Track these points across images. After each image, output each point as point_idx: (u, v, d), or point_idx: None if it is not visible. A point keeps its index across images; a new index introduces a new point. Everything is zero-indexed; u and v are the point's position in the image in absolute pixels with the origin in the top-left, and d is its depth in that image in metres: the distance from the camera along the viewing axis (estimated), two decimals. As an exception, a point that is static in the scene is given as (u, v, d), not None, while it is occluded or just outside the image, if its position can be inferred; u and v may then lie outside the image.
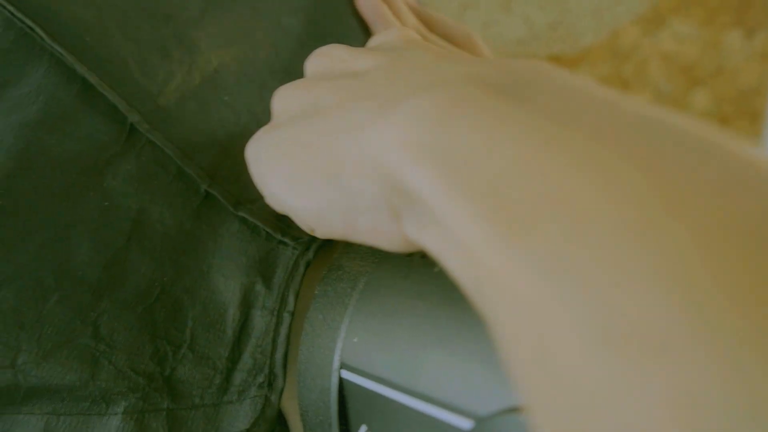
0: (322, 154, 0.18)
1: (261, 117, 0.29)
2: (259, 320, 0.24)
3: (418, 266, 0.19)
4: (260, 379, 0.23)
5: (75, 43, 0.25)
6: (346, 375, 0.19)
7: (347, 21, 0.36)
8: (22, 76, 0.24)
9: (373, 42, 0.24)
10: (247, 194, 0.26)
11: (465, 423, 0.15)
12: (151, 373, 0.23)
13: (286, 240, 0.25)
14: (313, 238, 0.25)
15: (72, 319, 0.23)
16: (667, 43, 1.14)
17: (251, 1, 0.32)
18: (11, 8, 0.24)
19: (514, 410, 0.13)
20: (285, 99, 0.22)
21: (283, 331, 0.24)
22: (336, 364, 0.19)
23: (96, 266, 0.24)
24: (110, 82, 0.25)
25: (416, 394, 0.16)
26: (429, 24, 0.37)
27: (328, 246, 0.26)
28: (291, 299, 0.24)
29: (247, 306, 0.24)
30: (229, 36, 0.30)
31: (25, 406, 0.22)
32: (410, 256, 0.20)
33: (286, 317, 0.24)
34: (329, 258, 0.24)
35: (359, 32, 0.36)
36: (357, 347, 0.19)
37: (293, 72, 0.32)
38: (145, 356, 0.23)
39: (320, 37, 0.34)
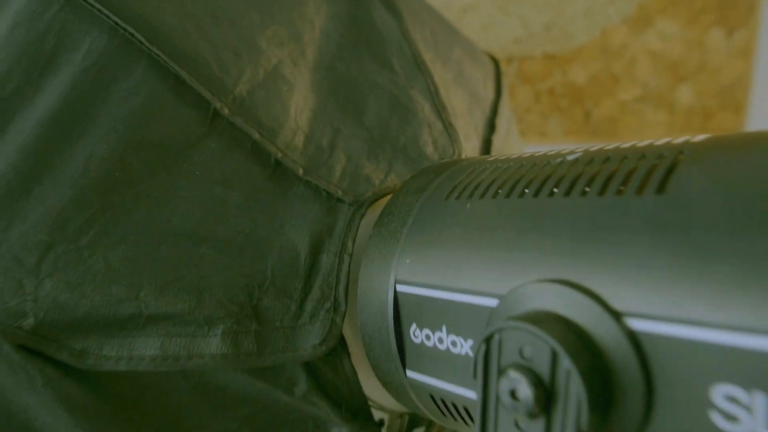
0: None
1: (310, 105, 0.36)
2: (325, 262, 0.31)
3: (453, 205, 0.26)
4: (327, 305, 0.30)
5: (166, 45, 0.32)
6: (400, 288, 0.26)
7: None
8: (127, 73, 0.31)
9: None
10: (310, 163, 0.33)
11: (492, 302, 0.22)
12: (242, 303, 0.30)
13: (343, 199, 0.32)
14: (366, 197, 0.32)
15: (179, 263, 0.30)
16: (654, 42, 1.21)
17: (294, 9, 0.39)
18: (116, 18, 0.31)
19: (524, 285, 0.21)
20: None
21: (344, 268, 0.31)
22: (392, 281, 0.27)
23: (192, 221, 0.31)
24: (196, 77, 0.32)
25: (454, 289, 0.23)
26: None
27: (376, 202, 0.33)
28: (350, 244, 0.31)
29: (315, 251, 0.31)
30: (282, 39, 0.37)
31: (145, 330, 0.29)
32: (447, 197, 0.27)
33: (346, 258, 0.31)
34: (378, 210, 0.32)
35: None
36: (408, 266, 0.26)
37: (336, 71, 0.39)
38: (237, 290, 0.31)
39: (354, 45, 0.41)
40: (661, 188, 0.19)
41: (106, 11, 0.30)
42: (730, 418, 0.16)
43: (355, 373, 0.31)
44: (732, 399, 0.16)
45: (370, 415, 0.32)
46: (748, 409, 0.16)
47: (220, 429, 0.31)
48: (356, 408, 0.32)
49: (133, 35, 0.31)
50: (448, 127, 0.40)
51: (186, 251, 0.30)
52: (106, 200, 0.29)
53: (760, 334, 0.15)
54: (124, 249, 0.29)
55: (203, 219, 0.31)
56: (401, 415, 0.35)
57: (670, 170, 0.20)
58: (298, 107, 0.34)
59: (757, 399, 0.15)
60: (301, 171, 0.32)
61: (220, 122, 0.31)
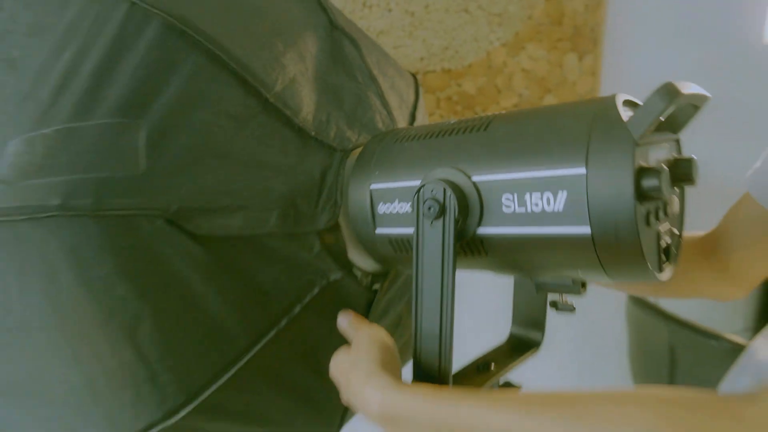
0: None
1: (314, 99, 0.61)
2: (329, 180, 0.56)
3: (398, 144, 0.53)
4: (331, 202, 0.56)
5: (241, 65, 0.54)
6: (373, 186, 0.52)
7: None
8: (219, 84, 0.53)
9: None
10: (317, 129, 0.58)
11: (418, 182, 0.49)
12: (286, 200, 0.54)
13: (336, 148, 0.58)
14: (349, 147, 0.58)
15: (254, 179, 0.53)
16: (526, 62, 1.55)
17: (299, 42, 0.63)
18: (175, 21, 0.53)
19: (433, 170, 0.48)
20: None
21: (340, 182, 0.56)
22: (369, 183, 0.53)
23: (257, 158, 0.54)
24: (258, 83, 0.54)
25: (400, 180, 0.50)
26: None
27: (354, 151, 0.59)
28: (342, 171, 0.57)
29: (323, 175, 0.56)
30: (295, 60, 0.61)
31: (234, 214, 0.53)
32: (395, 142, 0.53)
33: (341, 177, 0.56)
34: (356, 155, 0.57)
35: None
36: (377, 175, 0.52)
37: (325, 81, 0.64)
38: (284, 193, 0.54)
39: (333, 65, 0.66)
40: (485, 128, 0.47)
41: (206, 43, 0.53)
42: (507, 207, 0.44)
43: (344, 242, 0.56)
44: (507, 200, 0.44)
45: (351, 269, 0.58)
46: (513, 202, 0.43)
47: (271, 278, 0.54)
48: (344, 263, 0.57)
49: (226, 61, 0.51)
50: (390, 114, 0.66)
51: (256, 173, 0.54)
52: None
53: (514, 172, 0.43)
54: (224, 173, 0.52)
55: (263, 157, 0.54)
56: (368, 274, 0.61)
57: (489, 122, 0.48)
58: (308, 100, 0.59)
59: (515, 198, 0.43)
60: (313, 133, 0.57)
61: (268, 106, 0.55)
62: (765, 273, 0.66)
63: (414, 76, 0.86)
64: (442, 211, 0.43)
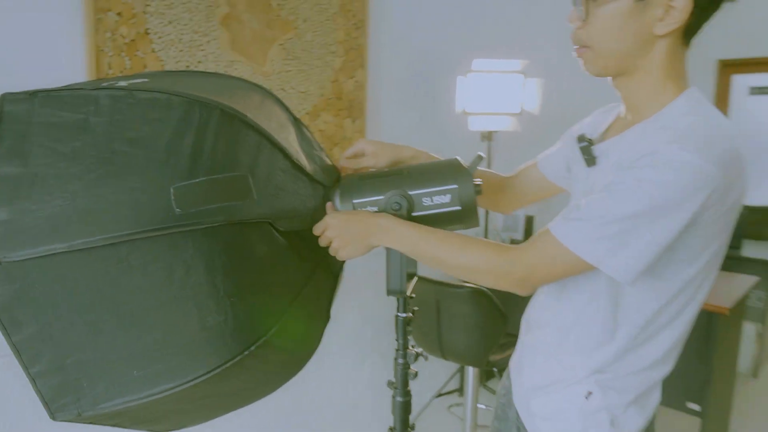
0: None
1: (296, 147, 1.13)
2: (325, 201, 1.10)
3: (367, 178, 1.13)
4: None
5: (268, 136, 1.03)
6: (355, 201, 1.10)
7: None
8: (246, 145, 1.02)
9: None
10: (316, 174, 1.10)
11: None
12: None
13: (323, 183, 1.02)
14: (328, 182, 1.10)
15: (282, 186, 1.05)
16: (321, 125, 2.22)
17: (272, 118, 1.15)
18: (235, 112, 1.02)
19: None
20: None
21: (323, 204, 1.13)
22: (351, 200, 1.10)
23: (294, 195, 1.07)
24: (272, 143, 1.04)
25: (373, 195, 1.11)
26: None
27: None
28: (326, 197, 1.13)
29: (324, 198, 1.05)
30: (276, 128, 1.11)
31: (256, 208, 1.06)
32: (365, 179, 1.12)
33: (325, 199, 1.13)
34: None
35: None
36: (357, 195, 1.10)
37: (290, 136, 1.17)
38: (293, 206, 1.09)
39: (284, 125, 1.21)
40: (407, 172, 1.12)
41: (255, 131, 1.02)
42: (425, 202, 1.09)
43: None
44: (425, 200, 1.09)
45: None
46: (429, 200, 1.09)
47: (306, 248, 1.07)
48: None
49: (269, 138, 1.02)
50: (323, 150, 1.19)
51: (296, 198, 1.05)
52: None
53: None
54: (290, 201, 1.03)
55: (299, 190, 1.05)
56: None
57: (406, 168, 1.13)
58: (303, 160, 1.10)
59: None
60: (308, 173, 1.10)
61: (294, 165, 1.05)
62: (519, 205, 1.25)
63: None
64: (400, 206, 1.04)
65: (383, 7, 2.40)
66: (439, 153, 1.17)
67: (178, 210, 0.75)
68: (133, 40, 1.62)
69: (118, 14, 1.58)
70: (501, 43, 3.10)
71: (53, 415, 0.77)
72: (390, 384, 1.17)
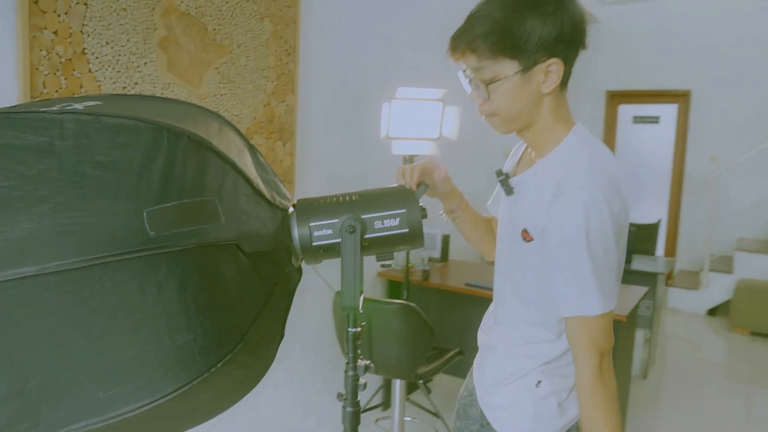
0: None
1: (264, 188, 1.20)
2: (285, 222, 1.15)
3: (322, 201, 1.20)
4: (287, 233, 1.17)
5: (227, 158, 1.10)
6: (311, 224, 1.18)
7: None
8: (212, 171, 1.07)
9: None
10: (270, 196, 1.16)
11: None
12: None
13: (280, 207, 1.11)
14: (286, 206, 1.19)
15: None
16: (257, 147, 2.26)
17: (232, 146, 1.21)
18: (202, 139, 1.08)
19: None
20: None
21: (288, 223, 1.19)
22: (308, 223, 1.18)
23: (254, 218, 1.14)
24: (261, 190, 1.10)
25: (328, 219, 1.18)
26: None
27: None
28: (288, 218, 1.19)
29: (282, 221, 1.16)
30: (235, 153, 1.19)
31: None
32: (321, 203, 1.19)
33: (287, 221, 1.18)
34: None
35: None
36: (313, 218, 1.18)
37: (261, 175, 1.23)
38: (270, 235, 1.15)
39: (243, 150, 1.26)
40: (358, 196, 1.21)
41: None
42: (377, 225, 1.18)
43: (292, 252, 1.18)
44: (377, 223, 1.18)
45: (295, 265, 1.20)
46: (380, 223, 1.19)
47: (264, 269, 1.13)
48: (294, 262, 1.20)
49: (232, 164, 1.08)
50: (276, 175, 1.25)
51: (257, 221, 1.11)
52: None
53: None
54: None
55: (259, 214, 1.12)
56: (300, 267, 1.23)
57: (358, 194, 1.22)
58: (263, 186, 1.16)
59: None
60: (267, 198, 1.16)
61: (255, 190, 1.12)
62: None
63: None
64: (354, 229, 1.12)
65: (313, 35, 2.50)
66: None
67: (151, 233, 0.78)
68: (69, 60, 1.60)
69: (54, 33, 1.56)
70: (423, 73, 3.29)
71: None
72: (339, 396, 1.25)
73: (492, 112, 1.08)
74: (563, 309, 1.01)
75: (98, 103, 0.91)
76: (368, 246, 1.09)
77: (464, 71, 1.08)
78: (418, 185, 1.14)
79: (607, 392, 0.99)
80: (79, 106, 0.86)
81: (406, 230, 1.06)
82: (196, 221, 0.84)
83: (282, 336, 1.16)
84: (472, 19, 1.03)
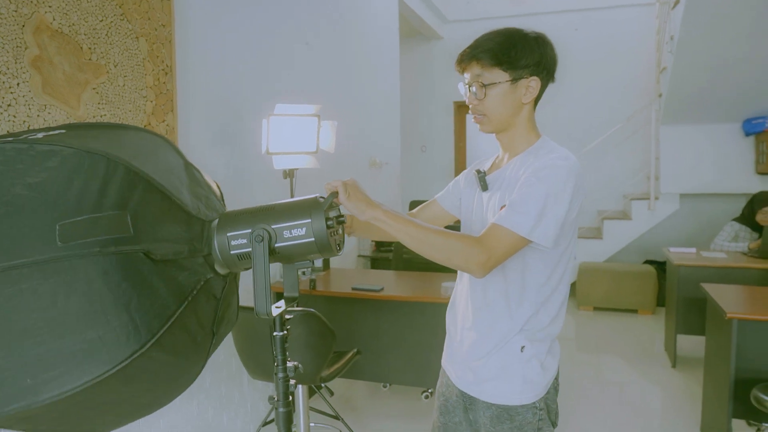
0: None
1: (190, 201, 1.22)
2: (205, 233, 1.12)
3: (239, 215, 1.24)
4: (208, 242, 1.20)
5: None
6: (228, 234, 1.23)
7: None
8: (127, 188, 1.11)
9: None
10: (195, 212, 1.14)
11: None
12: (189, 245, 1.17)
13: (204, 220, 1.15)
14: (210, 218, 1.21)
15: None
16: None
17: (172, 175, 1.23)
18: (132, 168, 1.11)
19: None
20: None
21: (210, 233, 1.21)
22: (226, 233, 1.22)
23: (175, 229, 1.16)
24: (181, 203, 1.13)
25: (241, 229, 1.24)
26: None
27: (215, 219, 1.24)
28: (210, 229, 1.21)
29: (202, 231, 1.18)
30: (176, 181, 1.20)
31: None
32: (237, 216, 1.23)
33: (210, 232, 1.20)
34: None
35: None
36: (230, 229, 1.23)
37: (192, 188, 1.24)
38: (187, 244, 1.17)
39: (186, 168, 1.28)
40: (270, 209, 1.28)
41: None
42: (286, 234, 1.26)
43: (213, 260, 1.20)
44: (285, 232, 1.26)
45: (217, 272, 1.19)
46: (288, 232, 1.26)
47: (183, 276, 1.13)
48: (213, 269, 1.15)
49: (149, 180, 1.12)
50: (218, 200, 1.26)
51: (174, 231, 1.14)
52: None
53: None
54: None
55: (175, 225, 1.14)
56: (223, 274, 1.25)
57: (268, 206, 1.28)
58: (188, 199, 1.16)
59: None
60: (194, 213, 1.17)
61: (174, 204, 1.14)
62: None
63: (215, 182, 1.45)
64: (262, 238, 1.18)
65: (189, 54, 2.49)
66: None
67: (59, 243, 0.89)
68: (-66, 83, 1.47)
69: None
70: (299, 89, 3.38)
71: None
72: (271, 399, 1.30)
73: (483, 112, 1.35)
74: (500, 218, 1.23)
75: (62, 131, 1.06)
76: (279, 254, 1.15)
77: (466, 83, 1.37)
78: (330, 195, 1.22)
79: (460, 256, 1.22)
80: (40, 135, 1.00)
81: (312, 239, 1.12)
82: (102, 232, 0.94)
83: (212, 335, 1.20)
84: (479, 41, 1.35)
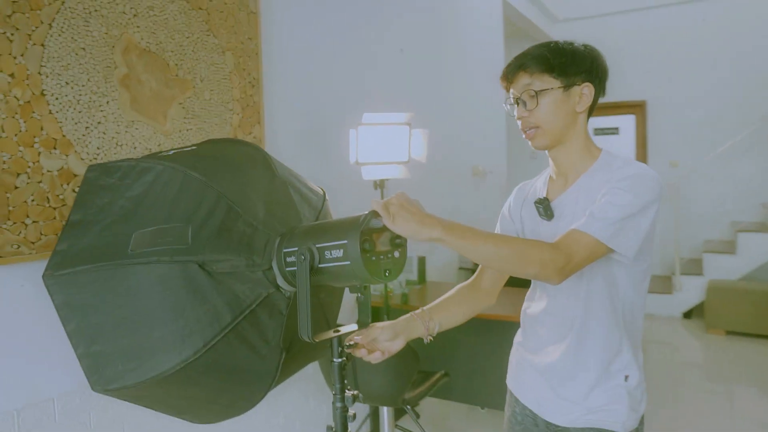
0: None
1: (259, 217, 1.16)
2: (268, 248, 1.09)
3: (293, 233, 1.17)
4: (268, 257, 1.09)
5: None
6: (285, 250, 1.15)
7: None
8: (201, 202, 1.07)
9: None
10: (267, 226, 1.11)
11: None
12: (248, 258, 1.11)
13: (271, 235, 1.16)
14: (276, 235, 1.15)
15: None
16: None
17: (261, 190, 1.19)
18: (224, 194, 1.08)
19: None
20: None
21: (271, 248, 1.14)
22: (282, 250, 1.14)
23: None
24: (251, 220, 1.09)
25: (292, 247, 1.16)
26: None
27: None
28: (273, 244, 1.14)
29: (265, 245, 1.10)
30: (258, 200, 1.16)
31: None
32: (293, 234, 1.16)
33: (272, 246, 1.12)
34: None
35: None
36: (285, 246, 1.15)
37: (271, 204, 1.18)
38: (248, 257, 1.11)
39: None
40: (311, 228, 1.18)
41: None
42: (327, 255, 1.13)
43: (275, 275, 1.12)
44: (327, 252, 1.14)
45: (279, 287, 1.10)
46: (330, 254, 1.12)
47: (245, 288, 1.08)
48: (275, 284, 1.10)
49: (226, 197, 1.08)
50: (301, 216, 1.21)
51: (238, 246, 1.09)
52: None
53: None
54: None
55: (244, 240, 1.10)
56: (286, 290, 1.16)
57: (311, 225, 1.18)
58: (260, 214, 1.12)
59: None
60: (255, 225, 1.11)
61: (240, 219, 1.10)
62: (502, 283, 1.44)
63: (322, 189, 1.41)
64: (304, 258, 1.08)
65: (276, 66, 2.50)
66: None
67: (130, 251, 1.02)
68: (28, 102, 1.56)
69: (11, 75, 1.52)
70: (388, 97, 3.32)
71: (92, 387, 1.03)
72: (329, 429, 1.21)
73: (535, 124, 1.23)
74: (579, 224, 1.13)
75: (194, 147, 1.25)
76: (325, 275, 1.03)
77: (511, 97, 1.27)
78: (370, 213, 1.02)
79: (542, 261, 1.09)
80: (170, 152, 1.19)
81: (348, 263, 0.98)
82: (164, 243, 1.02)
83: (281, 351, 1.13)
84: (524, 52, 1.25)
